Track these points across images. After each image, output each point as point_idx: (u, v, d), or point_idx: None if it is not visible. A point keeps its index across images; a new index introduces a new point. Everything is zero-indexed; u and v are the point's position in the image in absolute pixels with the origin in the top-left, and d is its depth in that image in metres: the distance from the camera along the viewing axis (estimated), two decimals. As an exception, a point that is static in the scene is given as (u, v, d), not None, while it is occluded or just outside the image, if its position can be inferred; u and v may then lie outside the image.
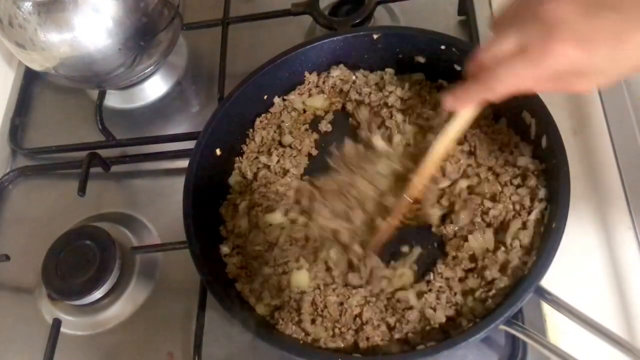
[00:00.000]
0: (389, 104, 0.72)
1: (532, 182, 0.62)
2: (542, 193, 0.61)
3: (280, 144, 0.74)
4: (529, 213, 0.61)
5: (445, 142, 0.58)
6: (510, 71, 0.48)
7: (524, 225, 0.60)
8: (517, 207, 0.62)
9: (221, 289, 0.60)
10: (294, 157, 0.72)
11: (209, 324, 0.66)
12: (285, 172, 0.71)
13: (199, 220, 0.64)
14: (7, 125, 0.89)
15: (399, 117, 0.71)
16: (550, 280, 0.56)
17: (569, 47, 0.43)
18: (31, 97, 0.93)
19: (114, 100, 0.88)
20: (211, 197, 0.70)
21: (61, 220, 0.78)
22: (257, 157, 0.73)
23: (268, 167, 0.72)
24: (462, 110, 0.56)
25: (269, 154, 0.73)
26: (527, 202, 0.62)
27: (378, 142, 0.70)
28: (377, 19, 0.85)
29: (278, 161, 0.72)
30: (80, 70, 0.76)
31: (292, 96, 0.76)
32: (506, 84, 0.49)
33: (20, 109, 0.91)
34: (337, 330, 0.60)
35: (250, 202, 0.70)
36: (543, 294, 0.55)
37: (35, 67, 0.77)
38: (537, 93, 0.59)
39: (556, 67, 0.45)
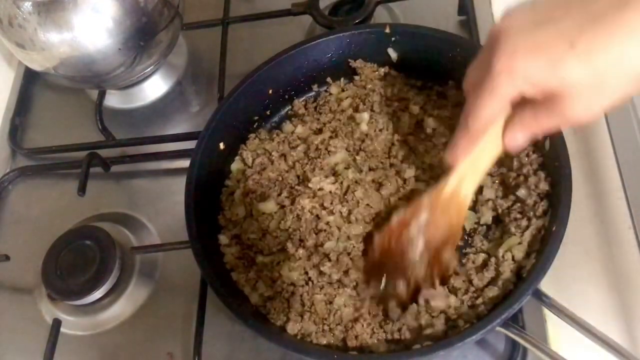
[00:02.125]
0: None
1: (530, 201, 0.62)
2: (540, 210, 0.61)
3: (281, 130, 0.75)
4: (525, 230, 0.60)
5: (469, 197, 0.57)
6: (473, 106, 0.47)
7: (519, 242, 0.60)
8: (513, 228, 0.61)
9: (224, 288, 0.60)
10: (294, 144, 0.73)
11: (209, 324, 0.66)
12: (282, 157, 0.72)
13: (200, 216, 0.64)
14: (7, 125, 0.89)
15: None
16: (549, 281, 0.56)
17: (509, 59, 0.42)
18: (31, 97, 0.92)
19: (113, 100, 0.88)
20: (213, 192, 0.70)
21: (61, 220, 0.78)
22: (260, 143, 0.74)
23: (268, 152, 0.72)
24: (462, 158, 0.53)
25: (271, 139, 0.73)
26: (523, 223, 0.61)
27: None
28: (377, 19, 0.85)
29: (278, 147, 0.73)
30: (80, 70, 0.76)
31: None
32: (477, 117, 0.47)
33: (20, 109, 0.91)
34: (325, 327, 0.60)
35: (244, 189, 0.70)
36: (541, 297, 0.55)
37: (35, 67, 0.77)
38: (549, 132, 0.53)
39: (510, 85, 0.43)
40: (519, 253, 0.59)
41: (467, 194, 0.57)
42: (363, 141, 0.71)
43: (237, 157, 0.73)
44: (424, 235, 0.58)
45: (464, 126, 0.49)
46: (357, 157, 0.69)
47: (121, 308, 0.71)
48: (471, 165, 0.55)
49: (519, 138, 0.50)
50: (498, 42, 0.43)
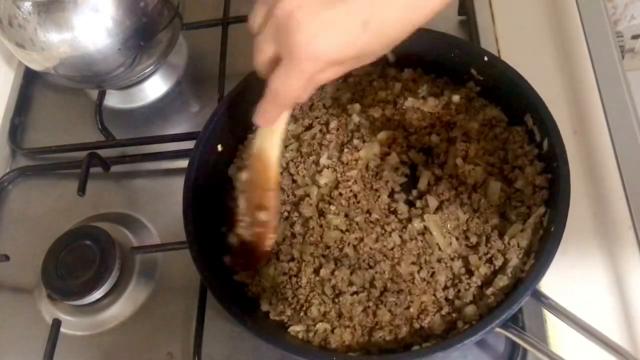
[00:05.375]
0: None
1: (528, 190, 0.62)
2: (539, 199, 0.61)
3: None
4: (527, 218, 0.61)
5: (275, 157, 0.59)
6: (283, 85, 0.48)
7: (522, 230, 0.60)
8: (514, 217, 0.62)
9: (222, 290, 0.60)
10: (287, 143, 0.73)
11: (209, 324, 0.66)
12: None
13: (199, 217, 0.64)
14: (7, 125, 0.89)
15: None
16: (549, 282, 0.56)
17: (314, 50, 0.44)
18: (31, 97, 0.92)
19: (113, 100, 0.88)
20: (211, 194, 0.70)
21: (61, 220, 0.78)
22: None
23: None
24: (272, 125, 0.56)
25: None
26: (523, 210, 0.61)
27: None
28: (377, 18, 0.85)
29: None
30: (80, 70, 0.76)
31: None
32: (288, 95, 0.49)
33: (20, 109, 0.91)
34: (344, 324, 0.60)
35: None
36: (540, 297, 0.55)
37: (35, 67, 0.77)
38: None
39: (317, 68, 0.45)
40: (523, 240, 0.59)
41: (271, 152, 0.59)
42: (357, 131, 0.71)
43: (232, 164, 0.73)
44: (245, 193, 0.63)
45: (273, 97, 0.50)
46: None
47: (121, 308, 0.71)
48: (271, 128, 0.58)
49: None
50: (291, 25, 0.44)
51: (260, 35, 0.48)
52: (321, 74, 0.47)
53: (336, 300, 0.61)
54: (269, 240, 0.62)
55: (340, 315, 0.60)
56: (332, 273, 0.62)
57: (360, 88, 0.75)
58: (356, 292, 0.61)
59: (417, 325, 0.58)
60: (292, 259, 0.64)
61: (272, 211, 0.61)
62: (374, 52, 0.46)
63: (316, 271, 0.63)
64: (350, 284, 0.62)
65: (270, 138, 0.58)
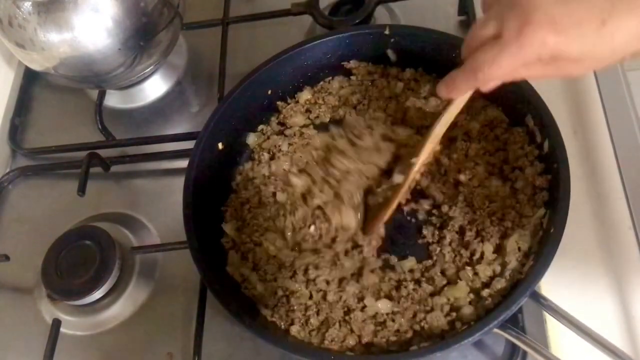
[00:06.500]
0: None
1: (529, 191, 0.62)
2: (539, 201, 0.61)
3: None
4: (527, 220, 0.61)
5: (443, 126, 0.61)
6: (491, 61, 0.46)
7: (522, 233, 0.60)
8: (516, 220, 0.62)
9: (221, 288, 0.60)
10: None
11: (209, 324, 0.66)
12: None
13: (199, 217, 0.64)
14: (7, 125, 0.89)
15: None
16: (549, 283, 0.56)
17: (544, 33, 0.42)
18: (31, 97, 0.92)
19: (113, 100, 0.88)
20: (211, 194, 0.70)
21: (61, 220, 0.78)
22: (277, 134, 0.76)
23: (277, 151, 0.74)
24: (452, 97, 0.56)
25: (268, 137, 0.75)
26: (525, 211, 0.62)
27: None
28: (377, 18, 0.85)
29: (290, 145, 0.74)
30: (80, 70, 0.76)
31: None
32: (490, 73, 0.47)
33: (20, 109, 0.91)
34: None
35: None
36: (539, 299, 0.55)
37: (35, 67, 0.77)
38: (529, 80, 0.56)
39: (535, 55, 0.43)
40: (524, 243, 0.59)
41: (435, 126, 0.61)
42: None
43: (251, 133, 0.75)
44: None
45: (473, 71, 0.48)
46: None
47: (121, 308, 0.71)
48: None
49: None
50: (528, 8, 0.43)
51: (491, 10, 0.47)
52: (527, 67, 0.45)
53: (338, 310, 0.61)
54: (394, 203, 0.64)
55: (340, 324, 0.61)
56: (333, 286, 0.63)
57: (363, 87, 0.75)
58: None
59: (417, 327, 0.58)
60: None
61: (407, 178, 0.64)
62: (596, 56, 0.43)
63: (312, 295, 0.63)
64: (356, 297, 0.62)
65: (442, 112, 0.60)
